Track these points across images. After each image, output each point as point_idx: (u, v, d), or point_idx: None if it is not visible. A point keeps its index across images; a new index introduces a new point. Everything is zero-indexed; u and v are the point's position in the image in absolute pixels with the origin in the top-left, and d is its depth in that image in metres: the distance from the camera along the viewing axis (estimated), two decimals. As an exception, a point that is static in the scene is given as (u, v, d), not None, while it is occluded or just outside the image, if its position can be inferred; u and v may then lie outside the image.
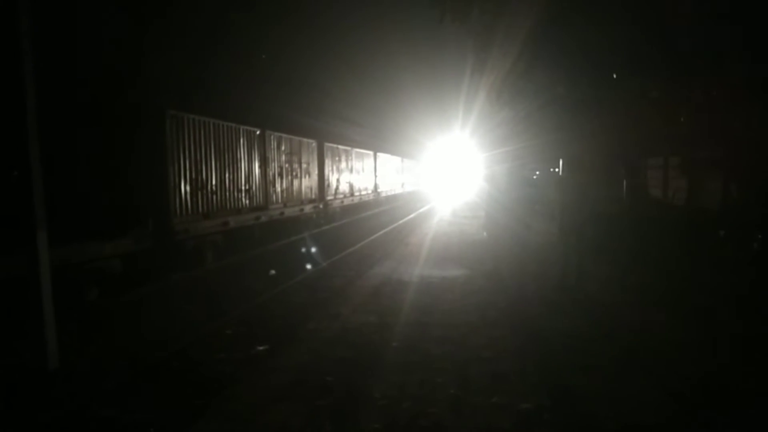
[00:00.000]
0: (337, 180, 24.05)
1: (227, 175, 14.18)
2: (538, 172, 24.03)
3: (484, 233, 12.83)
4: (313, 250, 16.52)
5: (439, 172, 43.01)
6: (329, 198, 22.79)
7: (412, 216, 26.69)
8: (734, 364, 5.32)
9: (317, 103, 25.02)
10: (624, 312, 7.40)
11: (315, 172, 21.39)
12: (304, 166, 20.13)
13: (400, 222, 23.92)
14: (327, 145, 22.71)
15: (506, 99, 16.27)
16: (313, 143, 21.31)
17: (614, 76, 12.08)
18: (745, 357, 5.54)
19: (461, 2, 11.52)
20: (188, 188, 12.41)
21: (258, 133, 16.12)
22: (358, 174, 27.34)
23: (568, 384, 4.88)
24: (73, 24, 14.93)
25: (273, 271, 13.06)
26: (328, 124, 25.51)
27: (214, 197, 13.58)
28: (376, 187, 30.87)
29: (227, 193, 14.22)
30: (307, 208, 20.24)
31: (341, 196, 24.47)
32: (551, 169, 24.20)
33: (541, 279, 9.26)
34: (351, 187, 26.07)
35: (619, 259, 9.88)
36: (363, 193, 28.18)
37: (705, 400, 4.54)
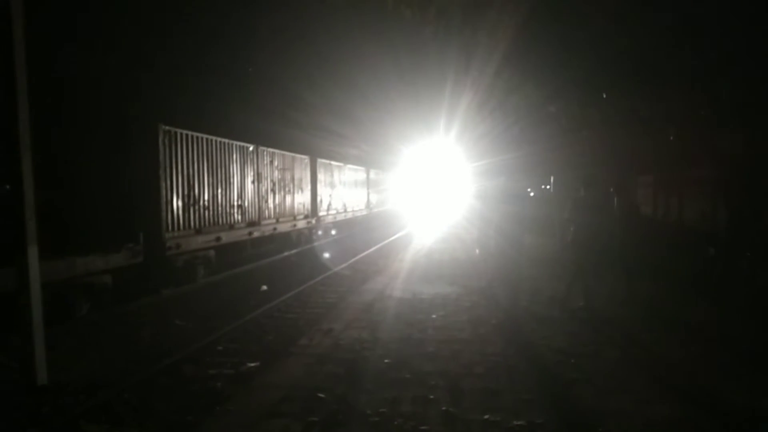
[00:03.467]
0: (330, 196, 24.08)
1: (220, 191, 14.18)
2: (530, 189, 24.17)
3: (477, 250, 12.89)
4: (306, 265, 16.49)
5: (427, 187, 42.92)
6: (321, 214, 22.80)
7: (403, 233, 26.70)
8: (729, 379, 5.34)
9: (310, 119, 25.08)
10: (618, 327, 7.42)
11: (308, 188, 21.42)
12: (296, 182, 20.17)
13: (392, 238, 23.94)
14: (320, 161, 22.78)
15: (493, 110, 16.42)
16: (306, 159, 21.37)
17: (603, 95, 12.24)
18: (738, 369, 5.57)
19: (447, 19, 11.71)
20: (180, 203, 12.39)
21: (251, 149, 16.16)
22: (350, 190, 27.38)
23: (561, 400, 4.88)
24: (64, 36, 14.96)
25: (265, 287, 13.02)
26: (321, 138, 25.57)
27: (207, 213, 13.56)
28: (368, 203, 30.91)
29: (220, 209, 14.21)
30: (300, 224, 20.23)
31: (333, 212, 24.48)
32: (543, 186, 24.35)
33: (534, 296, 9.27)
34: (343, 203, 26.10)
35: (611, 276, 9.91)
36: (356, 209, 28.21)
37: (705, 413, 4.55)
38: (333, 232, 24.10)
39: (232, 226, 14.85)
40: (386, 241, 22.62)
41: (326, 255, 19.13)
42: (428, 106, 22.74)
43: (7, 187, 6.58)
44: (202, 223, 13.36)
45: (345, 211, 26.26)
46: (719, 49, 9.06)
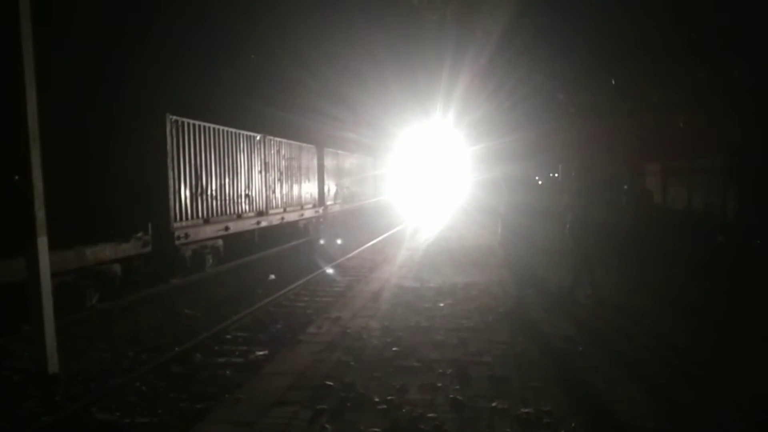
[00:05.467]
0: (337, 185, 24.07)
1: (227, 181, 14.20)
2: (537, 177, 24.00)
3: (484, 242, 12.83)
4: (313, 254, 16.54)
5: (431, 175, 42.44)
6: (329, 203, 22.81)
7: (410, 222, 26.66)
8: (740, 366, 5.32)
9: (316, 106, 25.07)
10: (627, 315, 7.40)
11: (315, 177, 21.42)
12: (303, 171, 20.16)
13: (399, 227, 23.90)
14: (327, 150, 22.75)
15: (497, 91, 16.27)
16: (313, 148, 21.35)
17: (612, 82, 12.13)
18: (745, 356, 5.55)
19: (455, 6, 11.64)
20: (188, 193, 12.43)
21: (258, 138, 16.16)
22: (357, 179, 27.33)
23: (569, 388, 4.88)
24: (72, 28, 14.99)
25: (273, 276, 13.07)
26: (328, 126, 25.53)
27: (215, 202, 13.60)
28: (375, 192, 30.84)
29: (228, 199, 14.25)
30: (307, 213, 20.25)
31: (340, 201, 24.48)
32: (551, 174, 24.20)
33: (542, 284, 9.24)
34: (351, 192, 26.08)
35: (619, 264, 9.87)
36: (363, 198, 28.18)
37: (716, 400, 4.54)
38: (340, 221, 24.11)
39: (239, 216, 14.89)
40: (393, 230, 22.61)
41: (334, 244, 19.17)
42: (430, 89, 22.57)
43: (17, 177, 6.61)
44: (210, 213, 13.41)
45: (352, 200, 26.24)
46: (727, 23, 8.93)
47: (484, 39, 12.36)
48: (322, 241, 19.47)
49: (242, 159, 15.11)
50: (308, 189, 20.65)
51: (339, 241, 20.22)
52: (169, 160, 11.73)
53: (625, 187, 9.40)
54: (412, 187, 41.81)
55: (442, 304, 8.08)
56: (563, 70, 11.85)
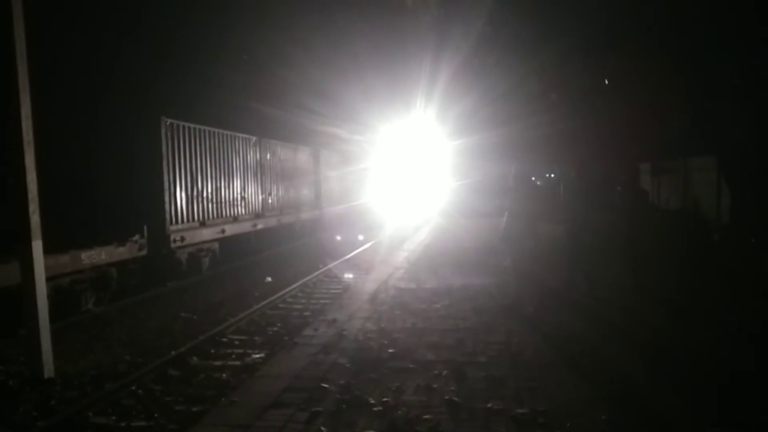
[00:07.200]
0: (333, 187, 24.06)
1: (223, 183, 14.20)
2: (534, 177, 23.87)
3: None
4: (310, 256, 16.52)
5: (424, 176, 42.05)
6: (325, 204, 22.79)
7: (406, 223, 26.63)
8: (733, 365, 5.34)
9: (311, 108, 25.07)
10: (623, 315, 7.40)
11: (311, 179, 21.41)
12: (300, 173, 20.16)
13: (396, 229, 23.86)
14: (323, 151, 22.73)
15: (493, 89, 16.22)
16: (309, 150, 21.34)
17: (606, 81, 12.16)
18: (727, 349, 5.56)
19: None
20: (184, 196, 12.42)
21: (254, 140, 16.15)
22: (354, 181, 27.30)
23: (565, 387, 4.88)
24: (68, 29, 14.98)
25: (269, 278, 13.06)
26: (324, 127, 25.52)
27: (211, 205, 13.59)
28: (370, 194, 30.73)
29: (224, 201, 14.23)
30: (304, 215, 20.24)
31: (336, 202, 24.46)
32: (547, 174, 24.16)
33: (539, 285, 9.24)
34: (347, 194, 26.05)
35: (615, 264, 9.89)
36: (359, 199, 28.12)
37: (720, 400, 4.55)
38: (336, 222, 24.08)
39: (236, 219, 14.88)
40: (390, 232, 22.58)
41: (331, 246, 19.15)
42: (421, 88, 22.49)
43: (11, 181, 6.60)
44: (206, 216, 13.39)
45: (349, 201, 26.21)
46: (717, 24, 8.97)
47: (473, 34, 12.39)
48: (319, 244, 19.41)
49: (238, 162, 15.10)
50: (305, 191, 20.64)
51: (336, 243, 20.19)
52: (164, 163, 11.73)
53: (618, 188, 9.45)
54: (407, 189, 41.56)
55: (438, 306, 8.07)
56: (553, 67, 11.88)
